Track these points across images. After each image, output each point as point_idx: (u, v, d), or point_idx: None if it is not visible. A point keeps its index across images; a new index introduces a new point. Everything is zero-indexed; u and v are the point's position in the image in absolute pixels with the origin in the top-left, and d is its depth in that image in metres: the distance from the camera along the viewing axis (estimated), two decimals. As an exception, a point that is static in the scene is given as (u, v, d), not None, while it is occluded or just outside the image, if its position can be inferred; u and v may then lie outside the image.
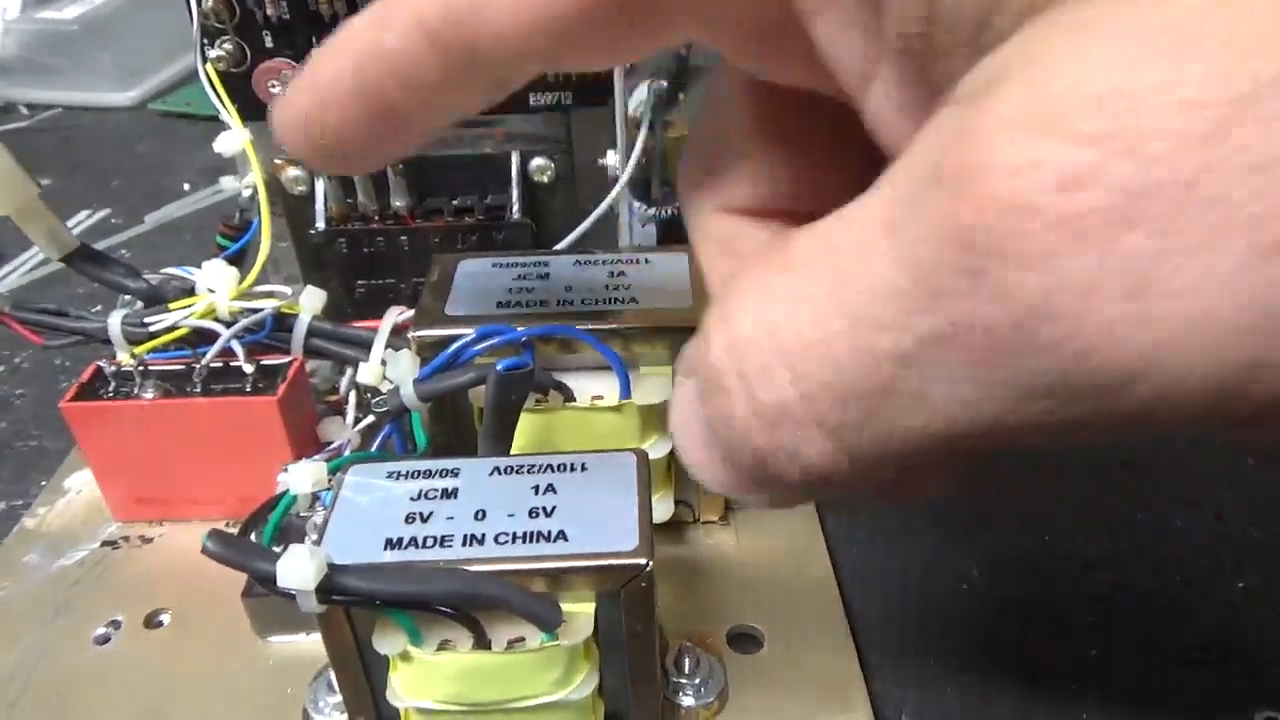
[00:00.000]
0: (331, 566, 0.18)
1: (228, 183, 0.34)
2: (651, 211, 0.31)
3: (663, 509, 0.27)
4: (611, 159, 0.31)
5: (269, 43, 0.32)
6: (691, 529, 0.29)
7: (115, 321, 0.29)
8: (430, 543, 0.19)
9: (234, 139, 0.31)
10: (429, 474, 0.21)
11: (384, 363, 0.26)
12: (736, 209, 0.18)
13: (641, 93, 0.31)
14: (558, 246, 0.30)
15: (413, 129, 0.17)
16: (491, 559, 0.19)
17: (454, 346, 0.24)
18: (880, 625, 0.26)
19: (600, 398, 0.25)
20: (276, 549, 0.18)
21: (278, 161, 0.31)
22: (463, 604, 0.18)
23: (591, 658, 0.20)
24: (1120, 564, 0.27)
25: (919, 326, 0.10)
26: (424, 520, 0.20)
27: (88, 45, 0.62)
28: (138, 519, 0.29)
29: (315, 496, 0.22)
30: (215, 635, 0.25)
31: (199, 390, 0.27)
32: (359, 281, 0.32)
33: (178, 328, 0.29)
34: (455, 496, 0.21)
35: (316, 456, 0.24)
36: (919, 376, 0.11)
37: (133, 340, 0.29)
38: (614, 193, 0.29)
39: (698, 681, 0.23)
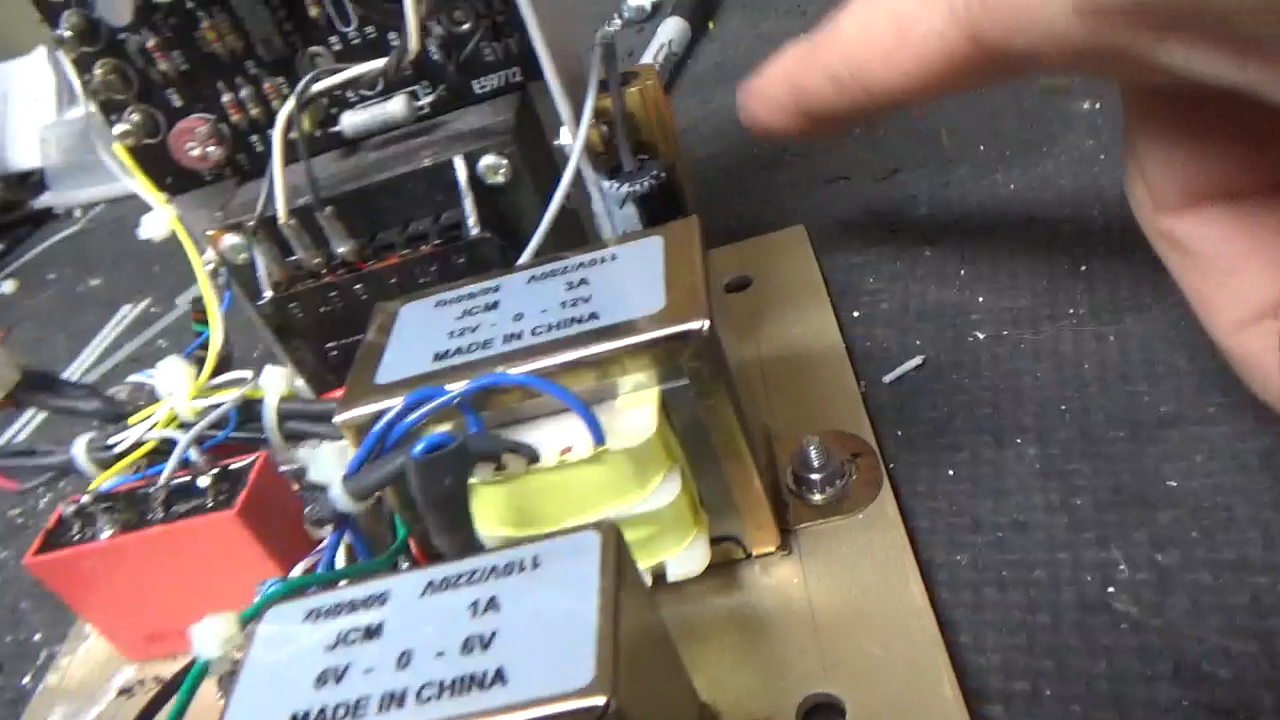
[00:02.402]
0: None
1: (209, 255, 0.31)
2: (625, 189, 0.25)
3: (694, 557, 0.22)
4: (566, 137, 0.25)
5: (177, 101, 0.28)
6: (744, 568, 0.23)
7: (80, 450, 0.27)
8: (341, 713, 0.15)
9: (158, 220, 0.28)
10: (351, 606, 0.17)
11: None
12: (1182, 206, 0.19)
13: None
14: (521, 260, 0.25)
15: (827, 127, 0.25)
16: (412, 727, 0.15)
17: (377, 428, 0.19)
18: (1003, 670, 0.19)
19: (570, 449, 0.20)
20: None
21: (210, 233, 0.28)
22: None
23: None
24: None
25: None
26: (338, 680, 0.16)
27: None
28: (153, 658, 0.27)
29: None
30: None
31: (160, 515, 0.24)
32: (327, 345, 0.28)
33: (143, 443, 0.27)
34: (379, 635, 0.16)
35: (270, 584, 0.20)
36: None
37: (102, 465, 0.27)
38: (566, 178, 0.24)
39: (760, 791, 0.18)
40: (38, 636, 0.30)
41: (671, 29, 0.51)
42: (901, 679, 0.19)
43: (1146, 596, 0.20)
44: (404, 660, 0.16)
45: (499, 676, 0.15)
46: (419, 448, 0.18)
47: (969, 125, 0.36)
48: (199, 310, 0.30)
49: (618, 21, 0.57)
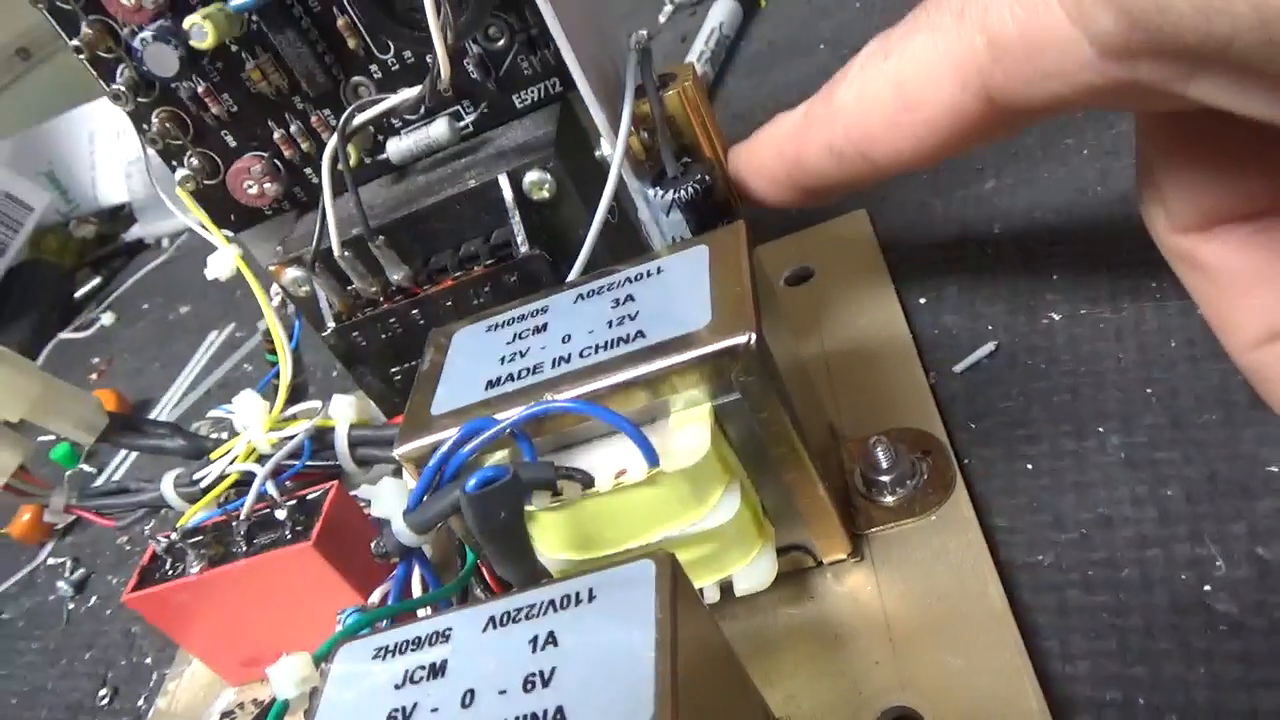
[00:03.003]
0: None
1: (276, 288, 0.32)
2: (670, 196, 0.24)
3: (761, 570, 0.21)
4: (607, 147, 0.25)
5: (231, 142, 0.29)
6: (815, 576, 0.23)
7: (168, 488, 0.28)
8: (410, 754, 0.15)
9: (224, 260, 0.29)
10: (417, 643, 0.17)
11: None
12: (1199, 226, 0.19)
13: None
14: (571, 275, 0.25)
15: (823, 199, 0.25)
16: (477, 768, 0.15)
17: (433, 462, 0.19)
18: (1091, 679, 0.19)
19: (625, 471, 0.19)
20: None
21: (272, 268, 0.28)
22: None
23: None
24: None
25: None
26: (406, 718, 0.16)
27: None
28: (250, 681, 0.28)
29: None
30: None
31: (243, 549, 0.25)
32: (391, 370, 0.29)
33: (225, 476, 0.28)
34: (443, 673, 0.17)
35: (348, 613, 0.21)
36: None
37: (190, 499, 0.28)
38: (608, 191, 0.23)
39: (839, 811, 0.18)
40: (149, 660, 0.32)
41: (722, 11, 0.50)
42: (983, 690, 0.19)
43: (1248, 595, 0.18)
44: (468, 699, 0.16)
45: (559, 715, 0.15)
46: (471, 483, 0.18)
47: (1036, 88, 0.34)
48: (270, 340, 0.31)
49: (669, 7, 0.56)
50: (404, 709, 0.16)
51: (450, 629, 0.17)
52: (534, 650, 0.16)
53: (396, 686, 0.17)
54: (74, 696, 0.32)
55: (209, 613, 0.26)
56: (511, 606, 0.17)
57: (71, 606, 0.37)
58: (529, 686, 0.15)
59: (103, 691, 0.32)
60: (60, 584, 0.37)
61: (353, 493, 0.27)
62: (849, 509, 0.23)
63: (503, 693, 0.16)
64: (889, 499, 0.23)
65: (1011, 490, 0.23)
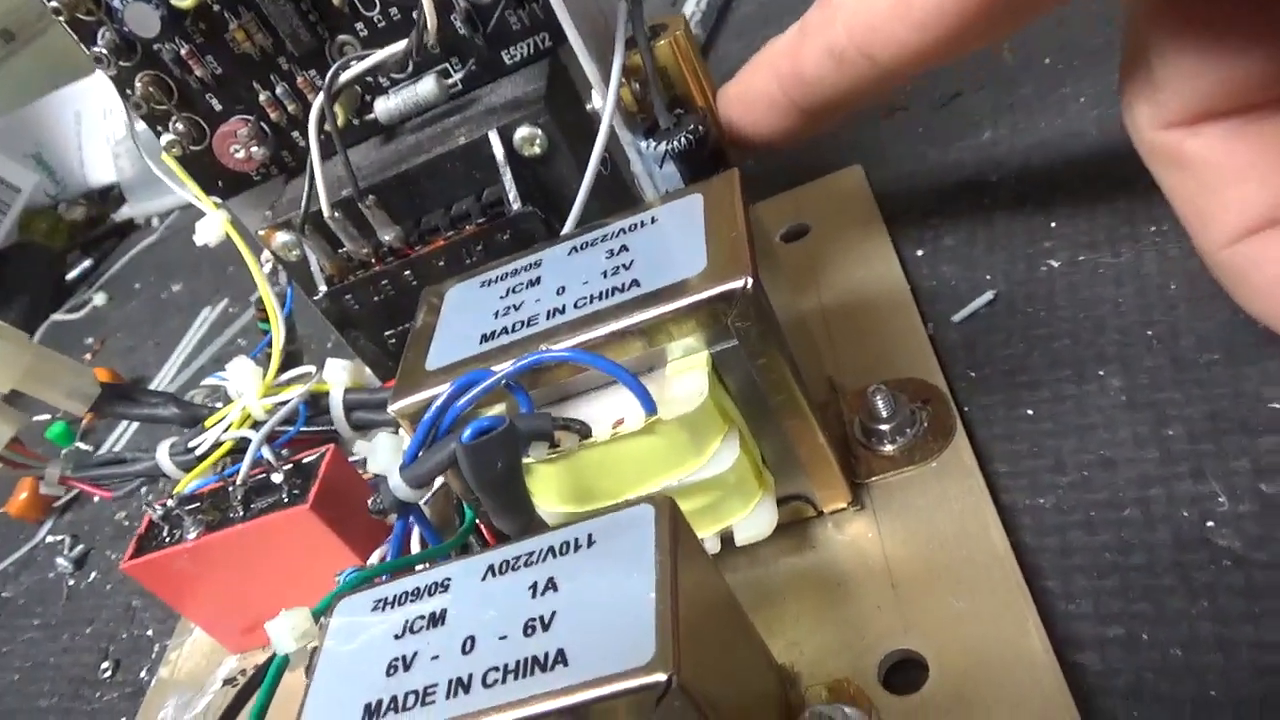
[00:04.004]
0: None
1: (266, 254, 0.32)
2: (663, 147, 0.24)
3: (762, 519, 0.21)
4: (599, 100, 0.25)
5: (216, 106, 0.28)
6: (816, 526, 0.22)
7: (164, 456, 0.28)
8: (411, 701, 0.15)
9: (212, 225, 0.28)
10: (416, 594, 0.17)
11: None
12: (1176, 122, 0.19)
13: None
14: (564, 231, 0.24)
15: (834, 118, 0.24)
16: (479, 712, 0.15)
17: (428, 416, 0.19)
18: (1094, 617, 0.18)
19: (622, 421, 0.19)
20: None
21: (262, 233, 0.28)
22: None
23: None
24: None
25: None
26: (406, 668, 0.16)
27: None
28: (252, 648, 0.28)
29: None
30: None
31: (240, 514, 0.25)
32: (385, 333, 0.29)
33: (220, 444, 0.27)
34: (443, 622, 0.16)
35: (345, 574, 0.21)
36: None
37: (185, 467, 0.28)
38: (599, 143, 0.23)
39: (843, 757, 0.18)
40: (150, 632, 0.32)
41: (713, -29, 0.49)
42: (986, 631, 0.19)
43: (1250, 530, 0.18)
44: (468, 646, 0.16)
45: (560, 658, 0.15)
46: (467, 433, 0.18)
47: (1032, 37, 0.34)
48: (262, 309, 0.31)
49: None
50: (404, 658, 0.16)
51: (449, 579, 0.17)
52: (533, 596, 0.16)
53: (396, 637, 0.17)
54: (76, 670, 0.32)
55: (208, 579, 0.26)
56: (510, 555, 0.17)
57: (71, 583, 0.37)
58: (529, 631, 0.15)
59: (105, 664, 0.32)
60: (60, 560, 0.37)
61: (351, 459, 0.27)
62: (849, 458, 0.23)
63: (503, 638, 0.16)
64: (889, 448, 0.23)
65: (1012, 436, 0.22)
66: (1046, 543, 0.20)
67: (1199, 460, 0.20)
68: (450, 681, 0.15)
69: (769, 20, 0.45)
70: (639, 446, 0.19)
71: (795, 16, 0.24)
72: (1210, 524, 0.19)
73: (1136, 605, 0.18)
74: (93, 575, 0.36)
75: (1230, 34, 0.18)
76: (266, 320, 0.31)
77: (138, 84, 0.27)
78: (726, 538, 0.21)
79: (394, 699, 0.16)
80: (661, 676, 0.14)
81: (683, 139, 0.24)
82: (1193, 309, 0.23)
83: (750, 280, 0.18)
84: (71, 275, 0.66)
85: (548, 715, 0.14)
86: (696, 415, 0.19)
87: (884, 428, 0.23)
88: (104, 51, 0.26)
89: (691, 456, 0.20)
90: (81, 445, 0.41)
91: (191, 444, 0.28)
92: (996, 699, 0.18)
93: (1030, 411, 0.23)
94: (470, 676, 0.15)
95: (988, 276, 0.26)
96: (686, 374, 0.19)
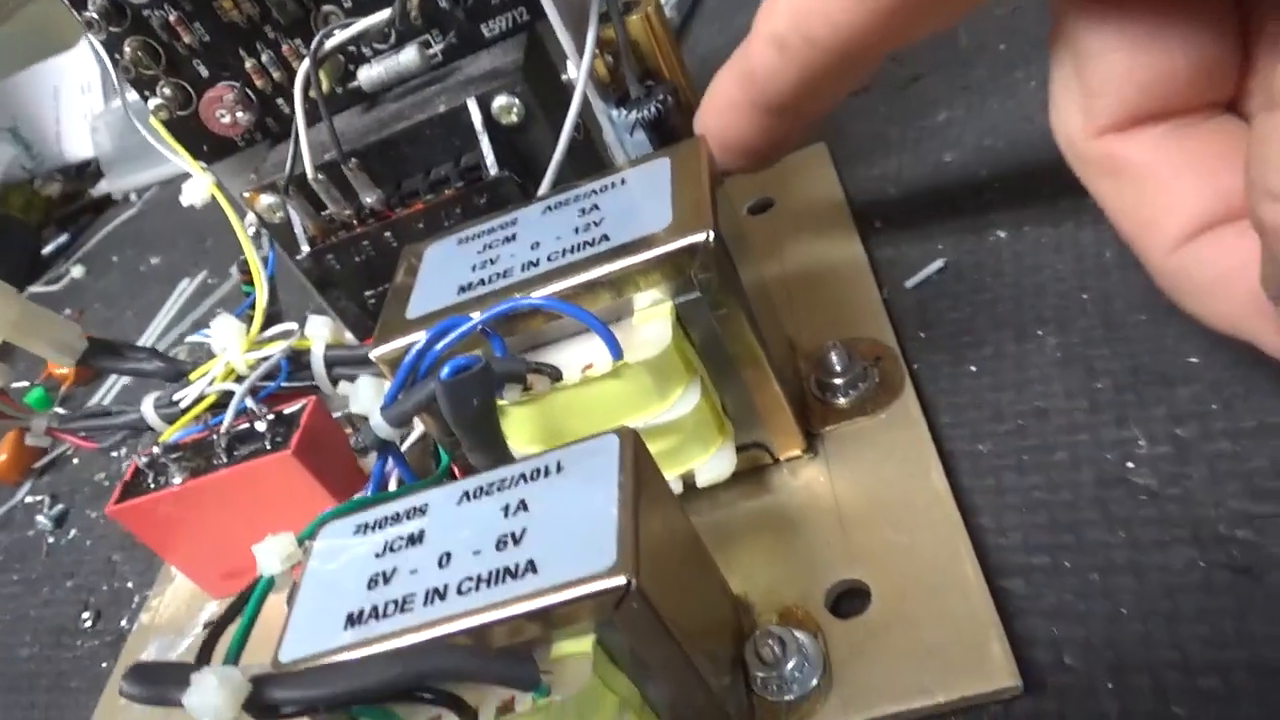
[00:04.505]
0: (260, 679, 0.15)
1: (250, 218, 0.33)
2: (634, 116, 0.25)
3: (721, 463, 0.22)
4: (573, 71, 0.26)
5: (204, 72, 0.29)
6: (772, 472, 0.24)
7: (149, 408, 0.29)
8: (391, 609, 0.17)
9: (198, 187, 0.29)
10: (396, 518, 0.19)
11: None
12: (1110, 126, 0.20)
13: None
14: (540, 192, 0.26)
15: (803, 118, 0.24)
16: (454, 615, 0.16)
17: (408, 359, 0.20)
18: (1023, 548, 0.20)
19: (591, 366, 0.21)
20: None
21: (247, 195, 0.29)
22: (417, 686, 0.15)
23: (612, 693, 0.17)
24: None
25: None
26: (386, 581, 0.17)
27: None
28: (233, 594, 0.29)
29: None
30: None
31: (224, 460, 0.26)
32: (366, 293, 0.30)
33: (204, 397, 0.28)
34: (421, 541, 0.18)
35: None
36: None
37: (170, 420, 0.29)
38: (573, 109, 0.24)
39: (791, 669, 0.19)
40: (130, 584, 0.33)
41: (687, -42, 0.50)
42: (924, 561, 0.20)
43: (1165, 469, 0.20)
44: (444, 560, 0.17)
45: (530, 567, 0.16)
46: (445, 371, 0.19)
47: (988, 24, 0.35)
48: (246, 272, 0.32)
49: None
50: (384, 573, 0.17)
51: (427, 504, 0.18)
52: (505, 516, 0.17)
53: (377, 555, 0.18)
54: (57, 621, 0.33)
55: (191, 524, 0.27)
56: (484, 481, 0.18)
57: (51, 540, 0.37)
58: (501, 546, 0.17)
59: (85, 615, 0.33)
60: (39, 518, 0.38)
61: (335, 415, 0.28)
62: (804, 410, 0.24)
63: (477, 553, 0.17)
64: (842, 400, 0.24)
65: (956, 390, 0.24)
66: (983, 484, 0.22)
67: (1123, 409, 0.21)
68: (427, 591, 0.17)
69: (742, 5, 0.46)
70: (606, 390, 0.21)
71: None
72: (1130, 465, 0.20)
73: (1061, 537, 0.20)
74: (72, 533, 0.37)
75: (1158, 34, 0.18)
76: (249, 283, 0.32)
77: (126, 49, 0.28)
78: (689, 483, 0.23)
79: (375, 608, 0.17)
80: (622, 580, 0.15)
81: (652, 108, 0.25)
82: (1124, 275, 0.24)
83: (712, 234, 0.20)
84: (48, 250, 0.66)
85: (517, 617, 0.16)
86: (660, 360, 0.20)
87: (838, 381, 0.24)
88: (95, 16, 0.27)
89: (656, 400, 0.21)
90: (61, 411, 0.42)
91: (176, 397, 0.28)
92: (932, 620, 0.19)
93: (974, 368, 0.24)
94: (446, 586, 0.16)
95: (939, 246, 0.28)
96: (651, 322, 0.21)
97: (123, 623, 0.32)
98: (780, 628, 0.20)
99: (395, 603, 0.17)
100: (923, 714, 0.18)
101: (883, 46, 0.21)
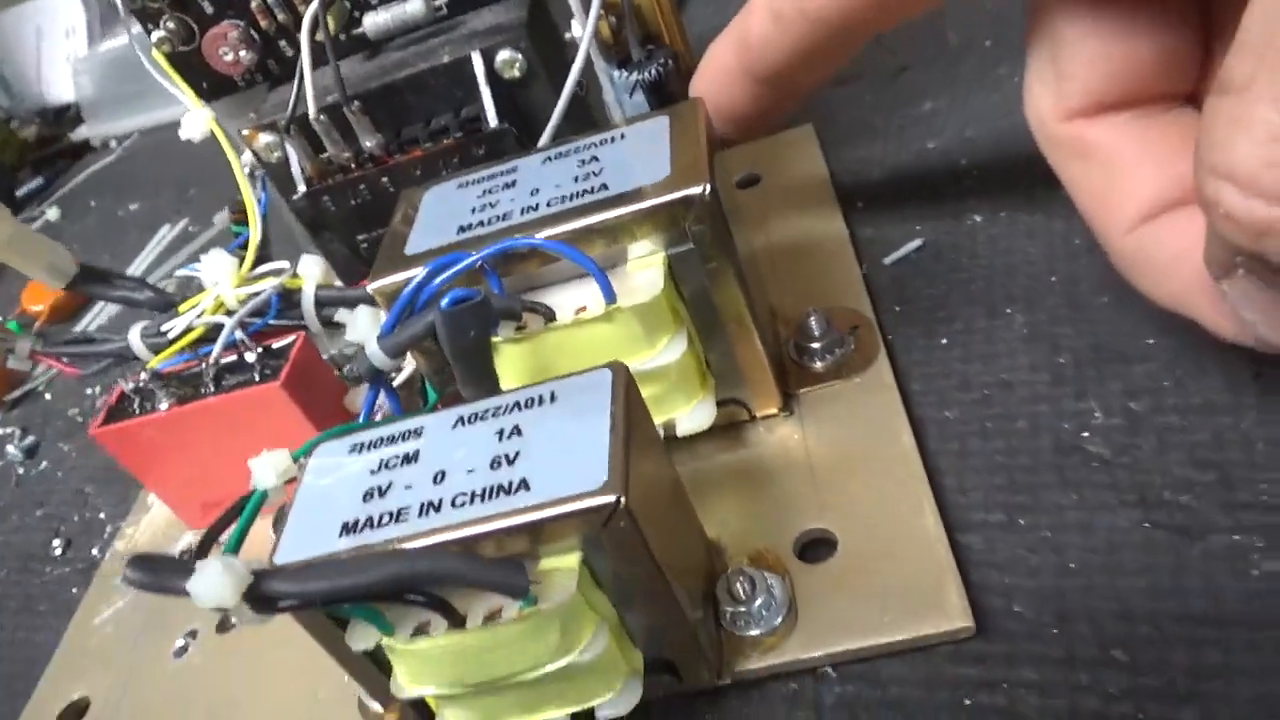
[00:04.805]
0: (259, 572, 0.16)
1: (246, 158, 0.33)
2: (634, 77, 0.26)
3: (701, 415, 0.23)
4: (577, 29, 0.27)
5: (209, 9, 0.29)
6: (750, 429, 0.25)
7: (135, 337, 0.29)
8: (386, 519, 0.17)
9: (197, 121, 0.29)
10: (391, 439, 0.19)
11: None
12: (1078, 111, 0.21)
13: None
14: (540, 144, 0.26)
15: (793, 90, 0.25)
16: (447, 526, 0.17)
17: (406, 291, 0.21)
18: (982, 506, 0.21)
19: (584, 309, 0.21)
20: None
21: (245, 133, 0.29)
22: (411, 586, 0.16)
23: (594, 612, 0.17)
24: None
25: None
26: (381, 495, 0.18)
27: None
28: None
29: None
30: (282, 629, 0.25)
31: (212, 390, 0.26)
32: (358, 236, 0.30)
33: (192, 329, 0.29)
34: (416, 460, 0.18)
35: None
36: None
37: (156, 350, 0.29)
38: (576, 66, 0.25)
39: (759, 606, 0.20)
40: (102, 515, 0.33)
41: (685, -58, 0.51)
42: (888, 514, 0.21)
43: (1118, 439, 0.21)
44: (439, 477, 0.18)
45: (524, 484, 0.17)
46: (445, 301, 0.20)
47: (976, 22, 0.37)
48: (237, 212, 0.32)
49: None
50: (379, 488, 0.18)
51: (422, 427, 0.19)
52: (500, 440, 0.18)
53: (372, 472, 0.19)
54: (26, 548, 0.33)
55: (175, 451, 0.27)
56: (479, 409, 0.19)
57: (21, 471, 0.37)
58: (495, 465, 0.17)
59: (55, 542, 0.33)
60: (10, 449, 0.38)
61: (329, 351, 0.29)
62: (783, 371, 0.25)
63: (471, 471, 0.18)
64: (819, 365, 0.25)
65: (928, 361, 0.25)
66: (948, 447, 0.23)
67: (1082, 383, 0.23)
68: (422, 504, 0.17)
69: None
70: (598, 332, 0.21)
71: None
72: (1085, 434, 0.22)
73: (1017, 497, 0.21)
74: (43, 464, 0.37)
75: (1129, 27, 0.20)
76: (240, 223, 0.32)
77: (134, -22, 0.29)
78: (670, 432, 0.24)
79: (369, 518, 0.17)
80: (611, 498, 0.16)
81: (653, 70, 0.26)
82: (1090, 260, 0.26)
83: (708, 187, 0.21)
84: (21, 192, 0.65)
85: (509, 529, 0.16)
86: (651, 306, 0.21)
87: (816, 346, 0.25)
88: (106, -58, 0.27)
89: (644, 347, 0.22)
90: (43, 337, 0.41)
91: (164, 327, 0.29)
92: (894, 567, 0.20)
93: (945, 341, 0.25)
94: (440, 500, 0.17)
95: (918, 227, 0.29)
96: (644, 270, 0.22)
97: (94, 551, 0.32)
98: (751, 569, 0.21)
99: (390, 514, 0.17)
100: (880, 651, 0.19)
101: (875, 24, 0.23)
